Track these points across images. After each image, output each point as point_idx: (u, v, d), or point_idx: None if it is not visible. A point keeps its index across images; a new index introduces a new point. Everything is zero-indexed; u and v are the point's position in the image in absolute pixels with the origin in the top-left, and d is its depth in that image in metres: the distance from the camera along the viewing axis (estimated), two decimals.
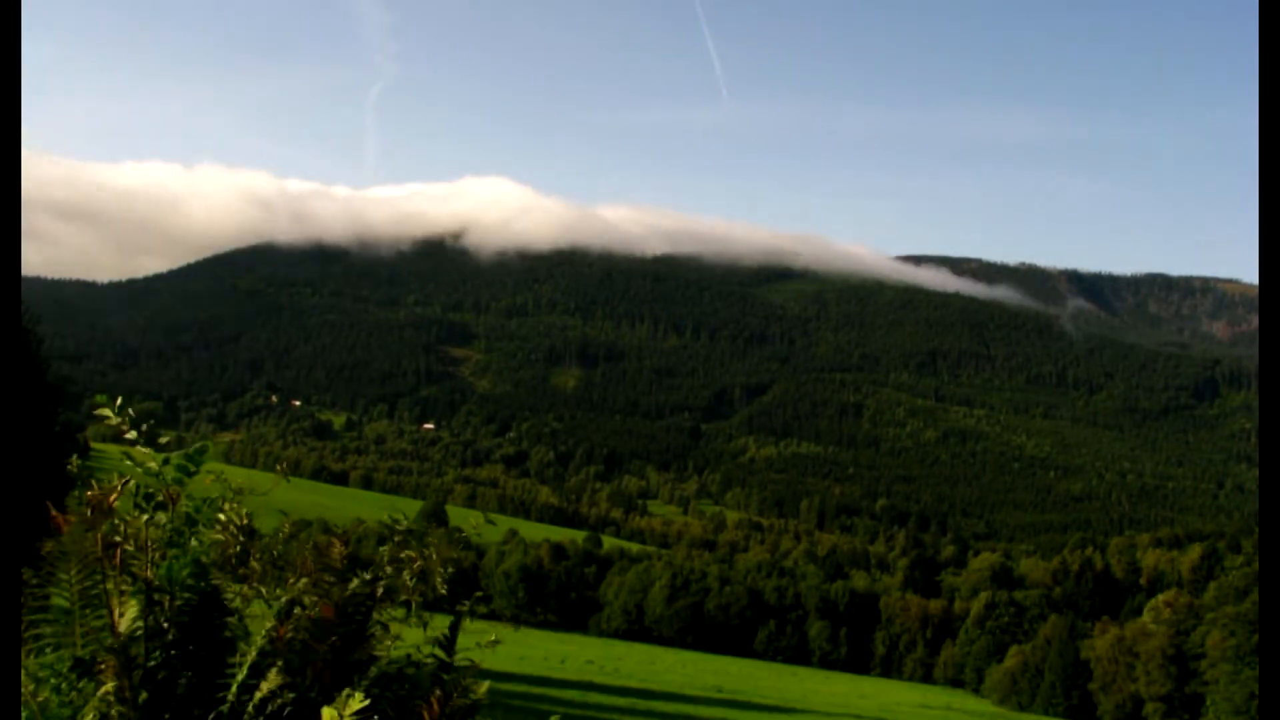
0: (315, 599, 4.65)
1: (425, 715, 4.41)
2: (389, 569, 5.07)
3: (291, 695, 4.43)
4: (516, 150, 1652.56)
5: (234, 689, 4.37)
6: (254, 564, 5.10)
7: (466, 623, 5.23)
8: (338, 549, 4.69)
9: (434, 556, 5.22)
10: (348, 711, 3.78)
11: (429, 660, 4.93)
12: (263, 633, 4.54)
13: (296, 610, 4.66)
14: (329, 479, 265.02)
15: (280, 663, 4.47)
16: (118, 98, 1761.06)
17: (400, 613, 5.08)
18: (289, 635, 4.54)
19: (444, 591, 5.28)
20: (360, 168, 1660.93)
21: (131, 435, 4.72)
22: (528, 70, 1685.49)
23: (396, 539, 5.28)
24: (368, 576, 4.87)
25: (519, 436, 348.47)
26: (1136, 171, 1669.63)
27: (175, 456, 4.72)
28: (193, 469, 4.75)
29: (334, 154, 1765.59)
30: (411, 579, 5.09)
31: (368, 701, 3.85)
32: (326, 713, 3.78)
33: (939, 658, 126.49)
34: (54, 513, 4.33)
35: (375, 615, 4.82)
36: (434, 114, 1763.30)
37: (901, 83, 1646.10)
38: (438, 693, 4.49)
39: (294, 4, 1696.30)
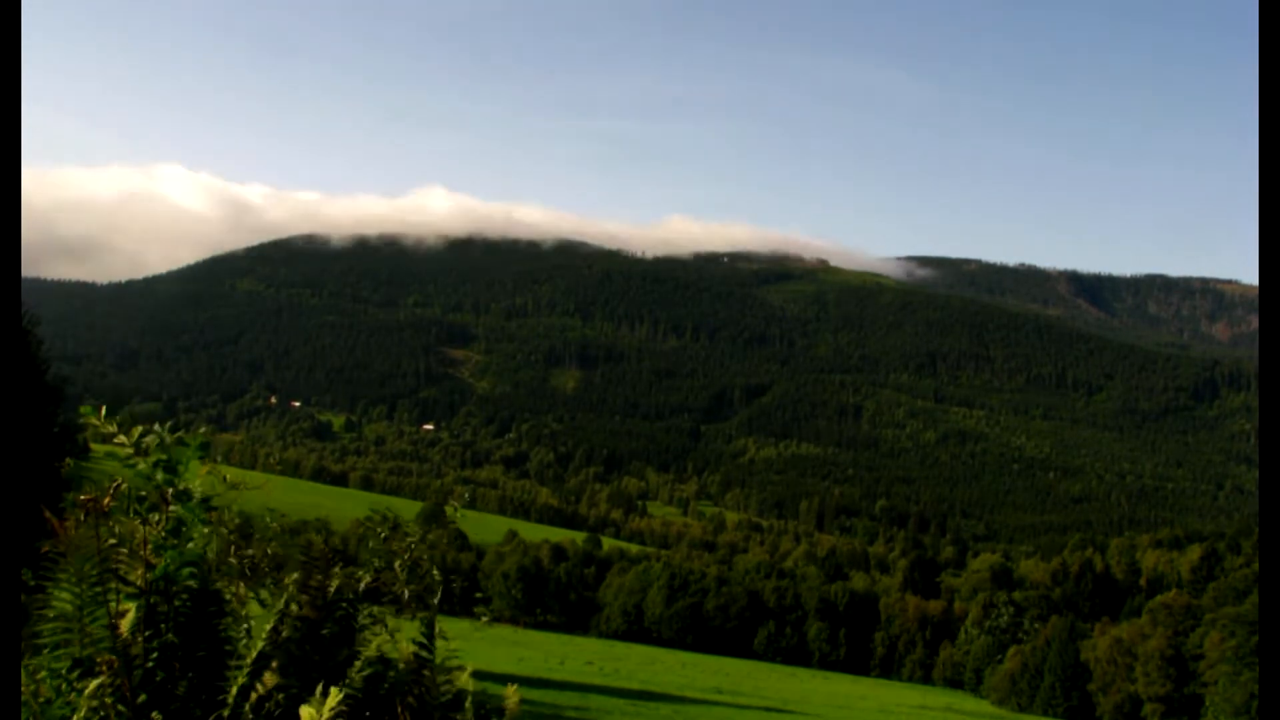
0: (304, 598, 4.73)
1: (402, 711, 4.48)
2: (377, 563, 5.13)
3: (293, 692, 4.50)
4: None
5: (234, 690, 4.44)
6: (248, 561, 5.17)
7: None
8: (318, 543, 4.77)
9: (416, 545, 5.28)
10: (326, 709, 3.83)
11: (410, 658, 4.97)
12: (261, 633, 4.61)
13: (292, 608, 4.73)
14: (329, 480, 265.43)
15: (276, 663, 4.54)
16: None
17: (390, 609, 5.14)
18: (283, 636, 4.62)
19: (438, 578, 5.33)
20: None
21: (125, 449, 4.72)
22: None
23: (381, 532, 5.33)
24: (351, 571, 4.93)
25: (519, 437, 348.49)
26: (1136, 171, 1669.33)
27: (160, 453, 4.70)
28: (181, 467, 4.79)
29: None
30: (403, 571, 5.15)
31: (342, 696, 3.89)
32: (304, 711, 3.83)
33: (938, 659, 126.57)
34: (48, 515, 4.38)
35: (363, 612, 4.88)
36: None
37: (905, 85, 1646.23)
38: (417, 690, 4.56)
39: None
